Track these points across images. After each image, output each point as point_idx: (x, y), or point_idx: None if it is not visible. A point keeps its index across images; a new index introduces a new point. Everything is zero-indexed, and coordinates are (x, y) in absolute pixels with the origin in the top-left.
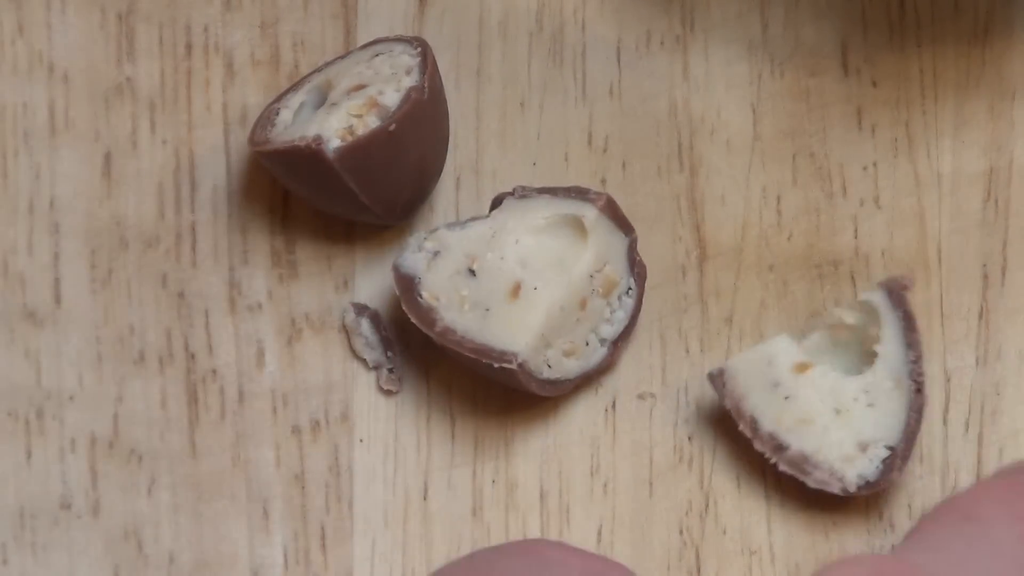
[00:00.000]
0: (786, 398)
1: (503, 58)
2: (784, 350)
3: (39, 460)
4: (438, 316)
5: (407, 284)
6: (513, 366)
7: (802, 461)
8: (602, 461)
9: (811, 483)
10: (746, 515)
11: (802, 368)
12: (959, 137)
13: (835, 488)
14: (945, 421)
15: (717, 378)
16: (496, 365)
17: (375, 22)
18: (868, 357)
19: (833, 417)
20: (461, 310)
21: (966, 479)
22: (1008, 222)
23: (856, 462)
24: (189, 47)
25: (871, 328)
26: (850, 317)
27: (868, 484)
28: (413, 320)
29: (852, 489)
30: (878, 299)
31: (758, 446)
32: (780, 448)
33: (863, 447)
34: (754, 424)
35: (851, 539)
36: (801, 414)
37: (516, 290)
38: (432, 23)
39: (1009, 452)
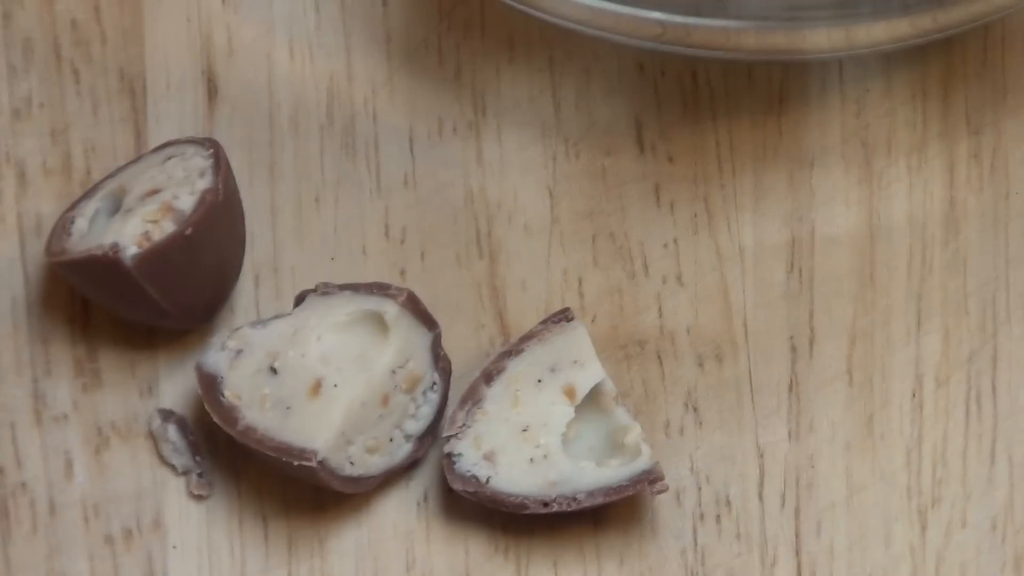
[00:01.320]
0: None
1: (295, 153)
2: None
3: None
4: (240, 415)
5: (209, 383)
6: (313, 463)
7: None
8: (417, 555)
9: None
10: None
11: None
12: (759, 209)
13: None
14: (761, 497)
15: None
16: (296, 463)
17: (165, 124)
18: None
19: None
20: (263, 408)
21: (785, 554)
22: (813, 292)
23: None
24: None
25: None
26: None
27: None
28: (215, 419)
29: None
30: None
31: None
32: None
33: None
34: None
35: None
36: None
37: (317, 387)
38: (222, 122)
39: (827, 526)
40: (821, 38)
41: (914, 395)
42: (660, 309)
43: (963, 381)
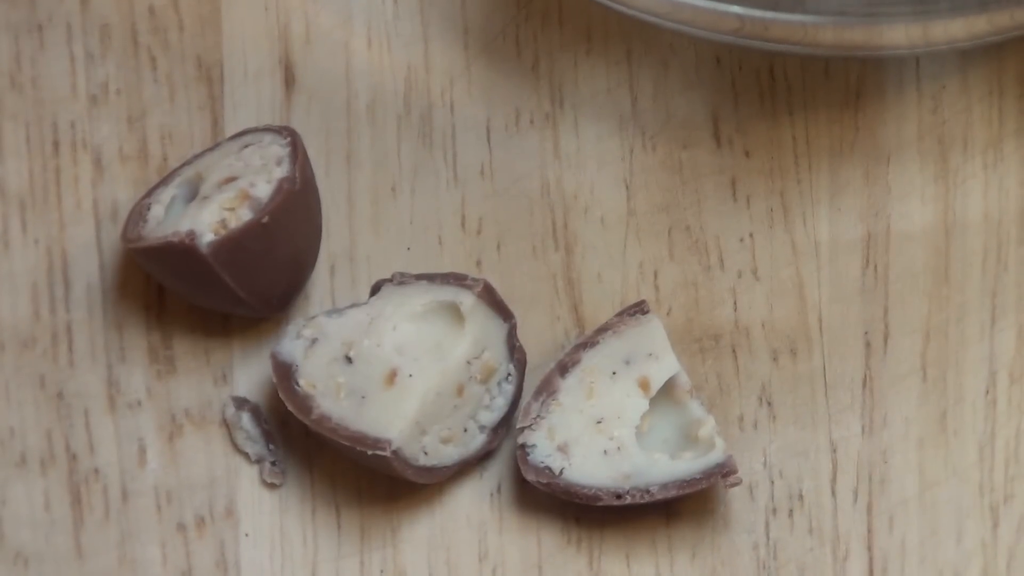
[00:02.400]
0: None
1: (372, 143)
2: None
3: None
4: (315, 404)
5: (284, 372)
6: (387, 453)
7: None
8: (490, 546)
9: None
10: None
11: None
12: (835, 204)
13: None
14: (833, 492)
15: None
16: (370, 452)
17: (242, 112)
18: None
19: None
20: (337, 397)
21: (857, 550)
22: (888, 288)
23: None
24: (56, 144)
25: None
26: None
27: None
28: (289, 408)
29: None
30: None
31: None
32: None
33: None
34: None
35: None
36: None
37: (392, 377)
38: (299, 110)
39: (899, 521)
40: (898, 34)
41: (987, 392)
42: (735, 303)
43: None
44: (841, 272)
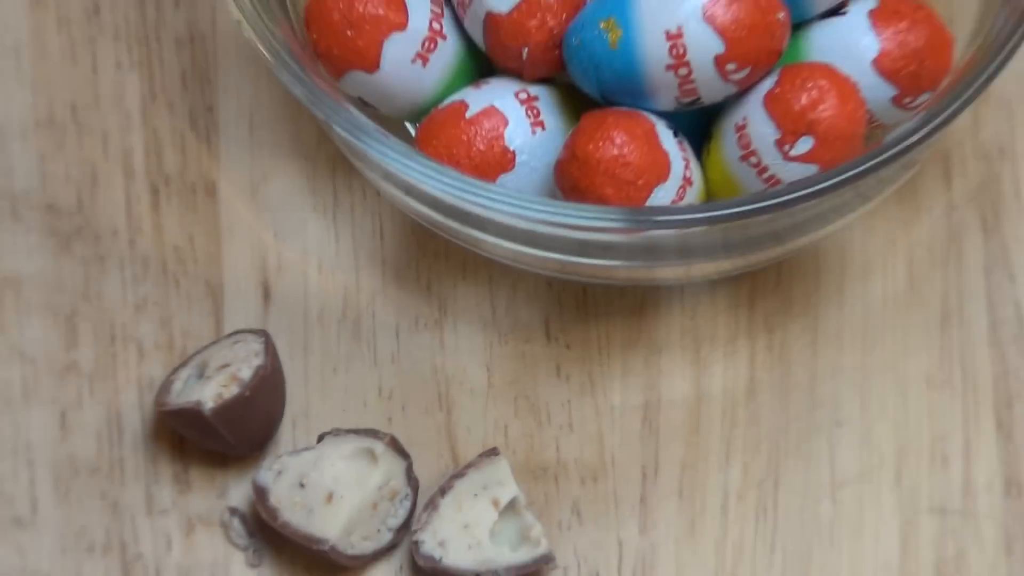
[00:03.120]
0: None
1: (321, 339)
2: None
3: None
4: (280, 514)
5: (261, 493)
6: (326, 548)
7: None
8: None
9: None
10: None
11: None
12: (625, 381)
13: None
14: (619, 572)
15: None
16: (315, 547)
17: (235, 318)
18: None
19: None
20: (294, 510)
21: None
22: (658, 437)
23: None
24: (113, 338)
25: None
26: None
27: None
28: (263, 516)
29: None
30: None
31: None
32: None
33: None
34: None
35: None
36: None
37: (330, 497)
38: (273, 315)
39: None
40: (669, 273)
41: (722, 507)
42: (557, 447)
43: (755, 498)
44: (628, 426)
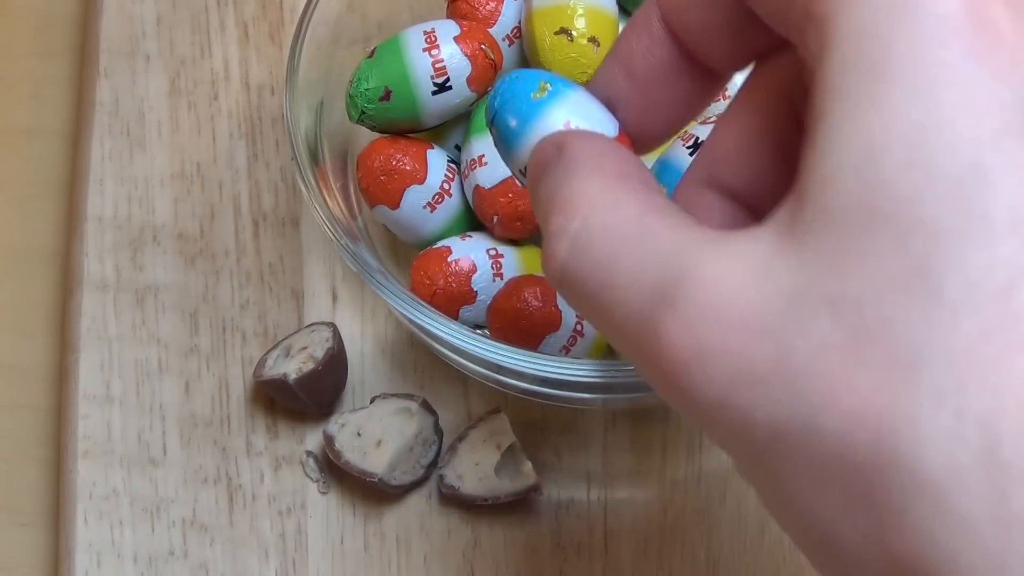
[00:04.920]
0: None
1: (373, 328)
2: None
3: (160, 529)
4: (342, 455)
5: (329, 440)
6: (376, 480)
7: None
8: (424, 523)
9: None
10: None
11: None
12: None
13: None
14: (588, 499)
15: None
16: (367, 480)
17: (312, 312)
18: None
19: None
20: (353, 453)
21: (600, 527)
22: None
23: None
24: (224, 329)
25: None
26: None
27: None
28: (330, 457)
29: None
30: None
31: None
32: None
33: None
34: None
35: None
36: None
37: (379, 443)
38: (339, 312)
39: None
40: (595, 402)
41: (661, 451)
42: (542, 408)
43: (685, 443)
44: None
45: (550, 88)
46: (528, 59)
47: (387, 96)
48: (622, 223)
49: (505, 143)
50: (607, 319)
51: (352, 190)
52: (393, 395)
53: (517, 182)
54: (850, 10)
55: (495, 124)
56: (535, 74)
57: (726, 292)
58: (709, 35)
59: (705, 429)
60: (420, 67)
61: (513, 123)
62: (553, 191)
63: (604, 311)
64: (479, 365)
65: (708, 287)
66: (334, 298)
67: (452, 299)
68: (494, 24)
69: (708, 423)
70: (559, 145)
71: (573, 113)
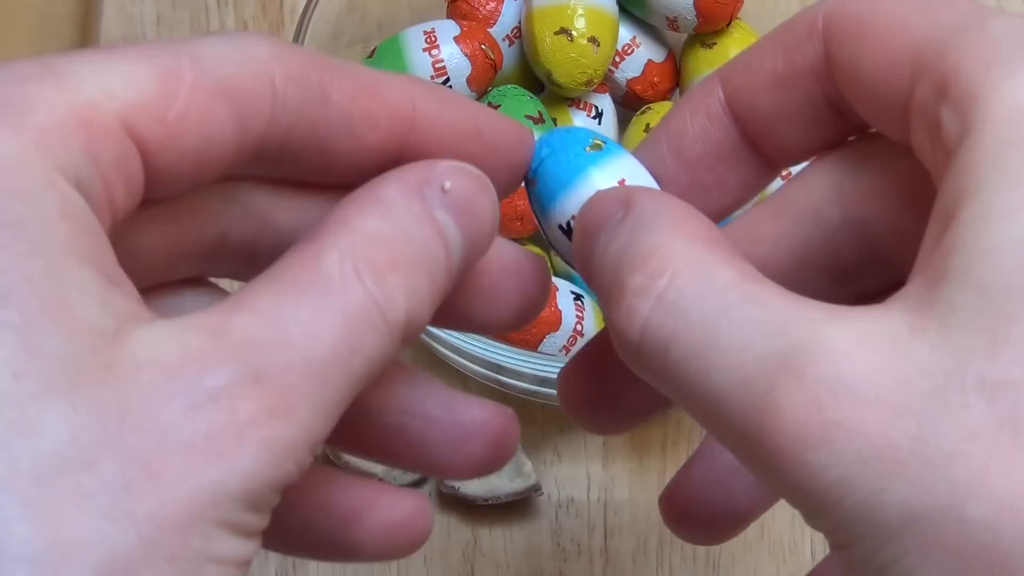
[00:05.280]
0: None
1: None
2: None
3: None
4: (342, 456)
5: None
6: (376, 480)
7: None
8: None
9: None
10: None
11: None
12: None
13: None
14: (588, 499)
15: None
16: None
17: None
18: None
19: None
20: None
21: (599, 529)
22: None
23: None
24: None
25: None
26: None
27: None
28: (331, 457)
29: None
30: None
31: None
32: None
33: None
34: None
35: None
36: None
37: None
38: None
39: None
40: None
41: (661, 448)
42: (542, 407)
43: (686, 444)
44: None
45: (604, 146)
46: (528, 59)
47: None
48: (720, 286)
49: (548, 194)
50: (698, 389)
51: None
52: None
53: (545, 236)
54: (1004, 93)
55: (539, 173)
56: (586, 131)
57: (860, 367)
58: (779, 122)
59: (812, 512)
60: (420, 67)
61: (562, 174)
62: (625, 247)
63: (695, 380)
64: (479, 365)
65: (837, 361)
66: None
67: None
68: (494, 24)
69: (822, 505)
70: (626, 201)
71: (628, 173)
